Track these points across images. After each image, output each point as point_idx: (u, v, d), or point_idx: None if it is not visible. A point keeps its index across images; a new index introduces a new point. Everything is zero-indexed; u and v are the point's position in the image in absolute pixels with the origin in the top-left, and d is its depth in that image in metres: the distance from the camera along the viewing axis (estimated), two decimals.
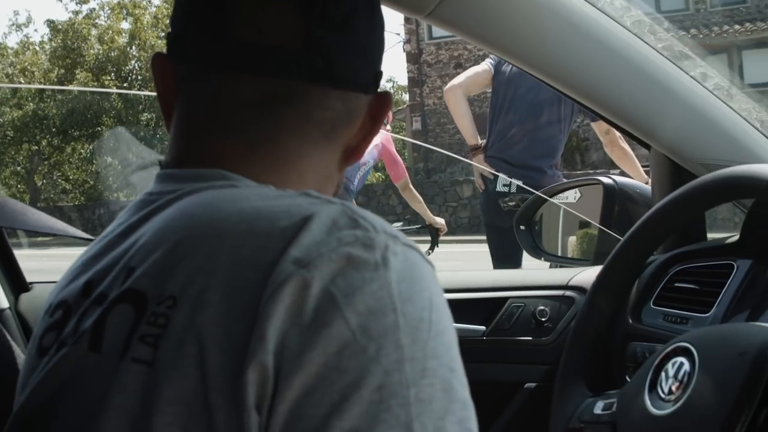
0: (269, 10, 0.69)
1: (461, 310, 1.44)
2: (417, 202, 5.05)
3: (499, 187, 3.98)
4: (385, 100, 0.78)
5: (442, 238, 5.16)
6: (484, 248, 4.11)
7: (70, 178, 25.05)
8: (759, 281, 1.14)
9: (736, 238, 1.23)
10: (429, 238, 5.32)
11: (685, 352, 0.91)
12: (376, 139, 4.63)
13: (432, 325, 0.56)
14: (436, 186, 17.90)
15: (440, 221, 5.30)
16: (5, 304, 1.54)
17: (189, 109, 0.73)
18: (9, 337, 0.93)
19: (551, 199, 1.54)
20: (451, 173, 19.51)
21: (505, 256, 3.81)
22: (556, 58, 1.24)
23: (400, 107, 27.60)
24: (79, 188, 24.96)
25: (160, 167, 0.74)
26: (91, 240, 0.76)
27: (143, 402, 0.57)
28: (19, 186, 25.44)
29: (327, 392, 0.52)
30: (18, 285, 1.60)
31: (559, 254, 1.78)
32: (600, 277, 1.15)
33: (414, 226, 5.71)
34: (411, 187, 4.97)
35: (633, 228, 1.12)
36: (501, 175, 3.90)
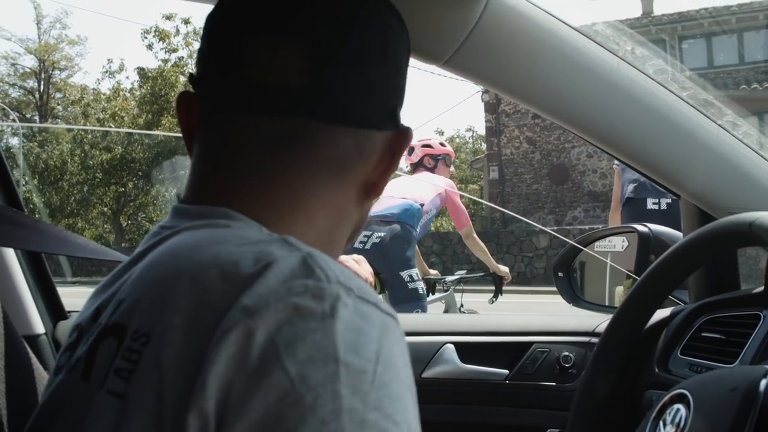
0: (275, 50, 0.70)
1: (485, 353, 1.45)
2: (480, 250, 5.06)
3: (649, 205, 4.64)
4: (403, 135, 0.78)
5: (516, 288, 5.13)
6: (559, 300, 4.08)
7: (154, 219, 25.75)
8: None
9: (762, 288, 1.21)
10: (493, 286, 5.32)
11: (682, 399, 0.90)
12: (439, 187, 4.69)
13: (376, 377, 0.55)
14: (512, 236, 17.75)
15: (504, 269, 5.28)
16: (41, 329, 1.61)
17: (204, 147, 0.75)
18: (35, 362, 0.97)
19: (586, 249, 1.52)
20: (528, 223, 19.34)
21: None
22: (577, 106, 1.23)
23: (478, 156, 27.61)
24: None
25: (177, 201, 0.76)
26: None
27: None
28: (105, 226, 26.31)
29: None
30: (57, 313, 1.67)
31: (606, 304, 1.76)
32: (608, 327, 1.14)
33: (478, 274, 5.70)
34: (474, 235, 4.99)
35: (637, 282, 1.12)
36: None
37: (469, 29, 1.11)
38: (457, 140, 39.71)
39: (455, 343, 1.45)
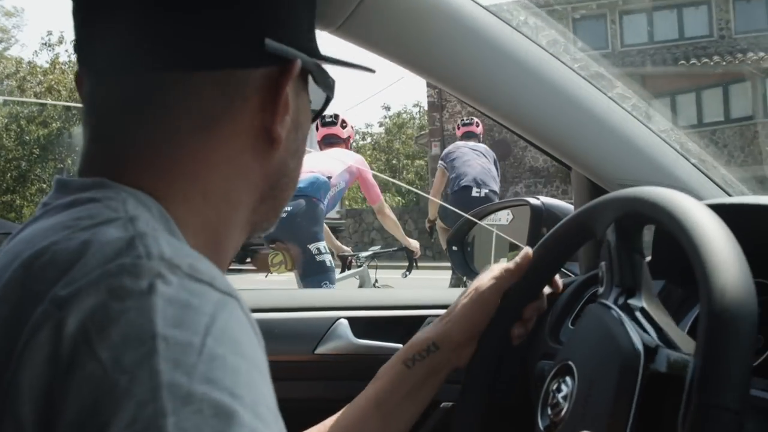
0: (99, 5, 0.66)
1: (379, 328, 1.44)
2: (392, 225, 5.19)
3: (473, 193, 6.25)
4: (286, 69, 0.69)
5: (431, 264, 5.41)
6: None
7: None
8: (671, 300, 1.13)
9: (649, 258, 1.22)
10: (406, 262, 5.53)
11: (568, 370, 0.91)
12: (349, 161, 4.78)
13: (205, 348, 0.48)
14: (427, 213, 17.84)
15: (415, 244, 5.51)
16: None
17: (84, 118, 0.69)
18: None
19: (481, 222, 1.53)
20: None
21: None
22: (469, 75, 1.23)
23: (423, 132, 27.69)
24: None
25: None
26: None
27: None
28: None
29: None
30: None
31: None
32: (548, 236, 1.13)
33: (390, 249, 5.85)
34: (386, 210, 5.12)
35: (581, 209, 1.11)
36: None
37: None
38: (404, 115, 39.67)
39: (348, 318, 1.44)
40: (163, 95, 0.65)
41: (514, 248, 1.63)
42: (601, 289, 0.95)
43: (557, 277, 1.12)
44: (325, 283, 4.50)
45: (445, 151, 6.81)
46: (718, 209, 0.80)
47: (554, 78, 1.24)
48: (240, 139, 0.68)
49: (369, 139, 36.54)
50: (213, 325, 0.50)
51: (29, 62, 27.82)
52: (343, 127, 5.06)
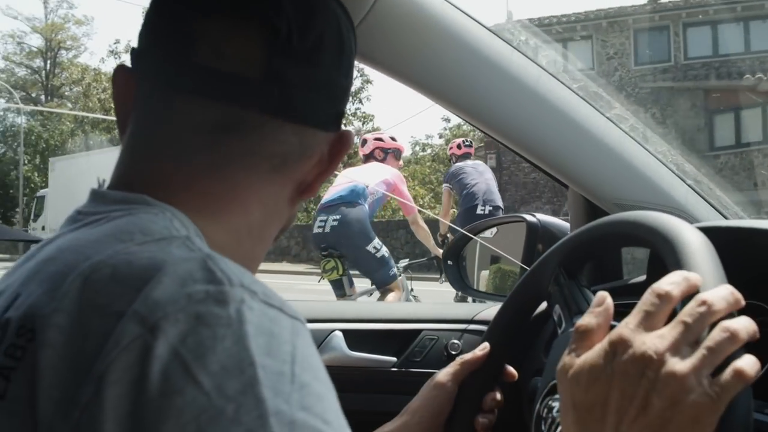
0: (234, 36, 0.67)
1: (373, 340, 1.45)
2: (424, 235, 5.70)
3: (478, 210, 6.57)
4: (344, 139, 0.76)
5: None
6: None
7: None
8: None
9: (644, 278, 1.22)
10: (435, 273, 5.92)
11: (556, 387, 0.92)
12: (385, 174, 5.25)
13: (295, 377, 0.51)
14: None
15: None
16: None
17: (140, 128, 0.70)
18: None
19: (476, 237, 1.53)
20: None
21: None
22: (469, 93, 1.23)
23: (480, 144, 27.59)
24: None
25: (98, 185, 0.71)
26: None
27: None
28: None
29: None
30: None
31: (475, 288, 1.81)
32: (497, 315, 1.14)
33: (423, 259, 6.26)
34: (420, 221, 5.67)
35: (527, 272, 1.12)
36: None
37: (363, 13, 1.10)
38: (464, 127, 39.43)
39: (343, 331, 1.46)
40: (257, 132, 0.69)
41: (495, 261, 1.64)
42: (560, 330, 0.97)
43: (509, 367, 1.11)
44: (392, 270, 5.05)
45: (450, 172, 7.24)
46: (713, 232, 0.80)
47: (552, 97, 1.24)
48: (290, 186, 0.74)
49: (429, 150, 36.47)
50: (296, 354, 0.53)
51: (94, 69, 28.57)
52: (363, 145, 5.65)
